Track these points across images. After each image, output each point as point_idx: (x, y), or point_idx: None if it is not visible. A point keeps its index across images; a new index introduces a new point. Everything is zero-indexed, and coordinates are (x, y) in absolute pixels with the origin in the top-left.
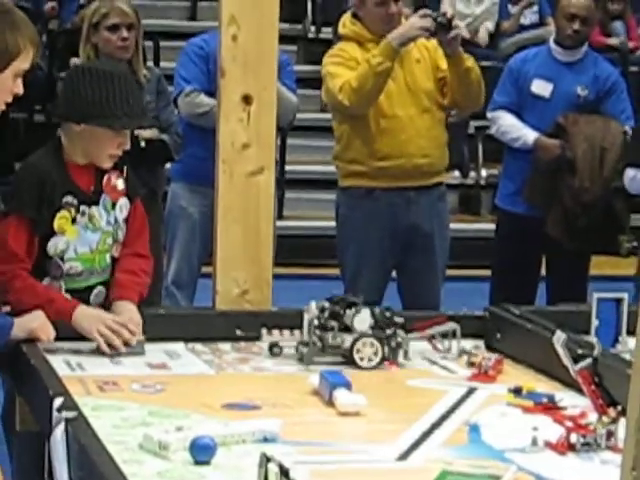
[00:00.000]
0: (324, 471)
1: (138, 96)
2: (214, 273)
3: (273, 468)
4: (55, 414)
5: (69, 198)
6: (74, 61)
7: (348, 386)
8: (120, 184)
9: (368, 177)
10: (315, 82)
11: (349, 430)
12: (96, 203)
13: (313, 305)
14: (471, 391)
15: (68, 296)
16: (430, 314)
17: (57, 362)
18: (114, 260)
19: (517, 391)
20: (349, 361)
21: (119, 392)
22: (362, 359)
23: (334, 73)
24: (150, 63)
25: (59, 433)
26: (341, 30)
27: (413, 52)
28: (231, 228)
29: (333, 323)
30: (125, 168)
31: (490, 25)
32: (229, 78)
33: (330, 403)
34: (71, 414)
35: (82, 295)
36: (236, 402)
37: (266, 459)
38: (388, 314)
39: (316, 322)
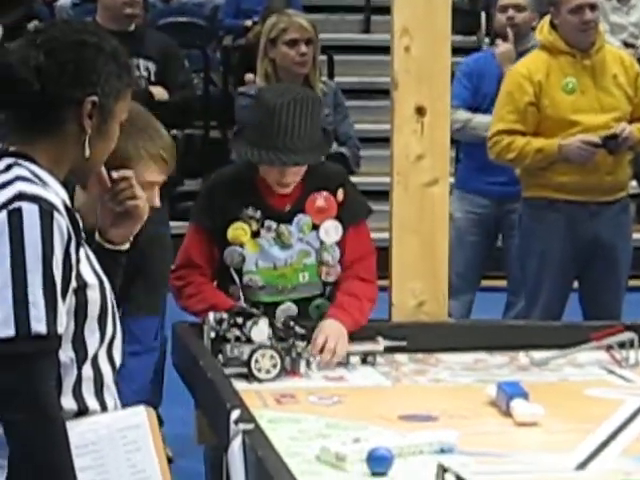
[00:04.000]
0: None
1: (290, 130)
2: (390, 285)
3: (450, 479)
4: (232, 426)
5: (250, 211)
6: (249, 77)
7: (526, 396)
8: (327, 205)
9: (550, 189)
10: None
11: (526, 440)
12: (288, 221)
13: (211, 316)
14: None
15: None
16: (607, 324)
17: (234, 376)
18: (325, 284)
19: None
20: (248, 373)
21: (296, 404)
22: (260, 370)
23: (497, 111)
24: (324, 78)
25: (236, 445)
26: (538, 35)
27: (609, 65)
28: (407, 239)
29: (231, 335)
30: (342, 191)
31: None
32: (402, 90)
33: (507, 413)
34: (248, 426)
35: (267, 309)
36: (413, 413)
37: (443, 470)
38: (290, 324)
39: (213, 334)
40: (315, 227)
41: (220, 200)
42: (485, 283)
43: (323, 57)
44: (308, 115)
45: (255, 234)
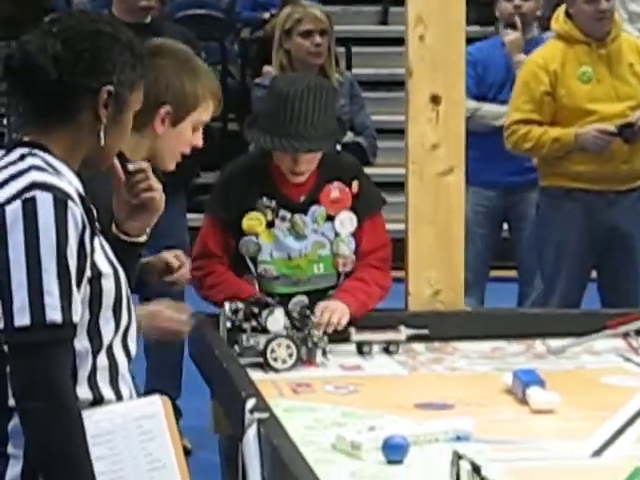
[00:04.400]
0: (518, 468)
1: (303, 117)
2: (406, 274)
3: (465, 466)
4: (247, 415)
5: (265, 200)
6: (267, 69)
7: (542, 384)
8: (341, 196)
9: (567, 178)
10: None
11: (542, 428)
12: (303, 212)
13: (227, 306)
14: None
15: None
16: (623, 311)
17: (250, 365)
18: (340, 275)
19: None
20: (264, 363)
21: (312, 394)
22: (276, 360)
23: (513, 101)
24: (342, 69)
25: (251, 434)
26: (553, 25)
27: (625, 54)
28: (422, 229)
29: (247, 325)
30: (357, 183)
31: None
32: (417, 78)
33: (523, 401)
34: (263, 415)
35: (281, 300)
36: (429, 402)
37: (458, 457)
38: (306, 313)
39: (229, 324)
40: (329, 218)
41: (236, 191)
42: (493, 274)
43: (341, 49)
44: (322, 103)
45: (270, 224)
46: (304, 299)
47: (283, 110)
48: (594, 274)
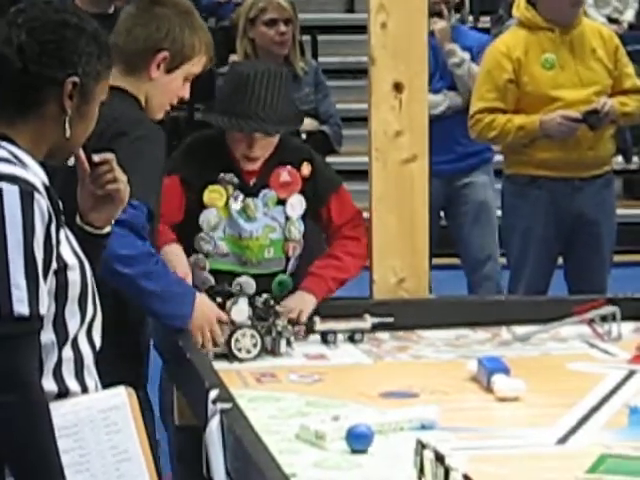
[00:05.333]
0: (483, 456)
1: (262, 100)
2: (370, 262)
3: (428, 455)
4: (210, 406)
5: (229, 175)
6: (233, 58)
7: (507, 371)
8: (291, 179)
9: (532, 166)
10: None
11: (508, 415)
12: (255, 195)
13: None
14: (631, 374)
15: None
16: (589, 298)
17: (215, 356)
18: (288, 259)
19: None
20: (229, 353)
21: (276, 383)
22: (240, 350)
23: (477, 90)
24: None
25: (215, 425)
26: (515, 12)
27: (588, 40)
28: (386, 217)
29: None
30: (308, 165)
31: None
32: (379, 66)
33: (489, 389)
34: (226, 405)
35: (225, 278)
36: (394, 390)
37: (421, 446)
38: (270, 303)
39: None
40: (280, 202)
41: (200, 156)
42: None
43: (307, 37)
44: (280, 87)
45: (228, 200)
46: (250, 281)
47: (243, 92)
48: (560, 261)
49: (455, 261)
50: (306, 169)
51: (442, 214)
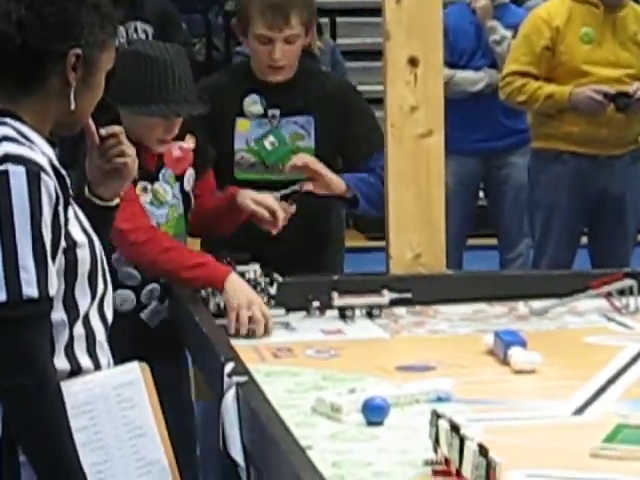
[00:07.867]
0: (498, 427)
1: (183, 82)
2: (387, 237)
3: (444, 425)
4: (226, 379)
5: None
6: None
7: (523, 344)
8: (183, 154)
9: (558, 140)
10: None
11: (524, 388)
12: (157, 179)
13: None
14: None
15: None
16: (607, 272)
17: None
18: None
19: None
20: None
21: (293, 358)
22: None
23: (512, 53)
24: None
25: (230, 398)
26: None
27: (630, 22)
28: (402, 192)
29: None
30: (190, 137)
31: None
32: (394, 41)
33: (505, 362)
34: (242, 379)
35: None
36: (411, 364)
37: (437, 416)
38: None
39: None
40: (177, 178)
41: None
42: (470, 242)
43: (325, 19)
44: (188, 66)
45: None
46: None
47: (164, 75)
48: (585, 240)
49: (490, 241)
50: (190, 141)
51: (481, 194)
